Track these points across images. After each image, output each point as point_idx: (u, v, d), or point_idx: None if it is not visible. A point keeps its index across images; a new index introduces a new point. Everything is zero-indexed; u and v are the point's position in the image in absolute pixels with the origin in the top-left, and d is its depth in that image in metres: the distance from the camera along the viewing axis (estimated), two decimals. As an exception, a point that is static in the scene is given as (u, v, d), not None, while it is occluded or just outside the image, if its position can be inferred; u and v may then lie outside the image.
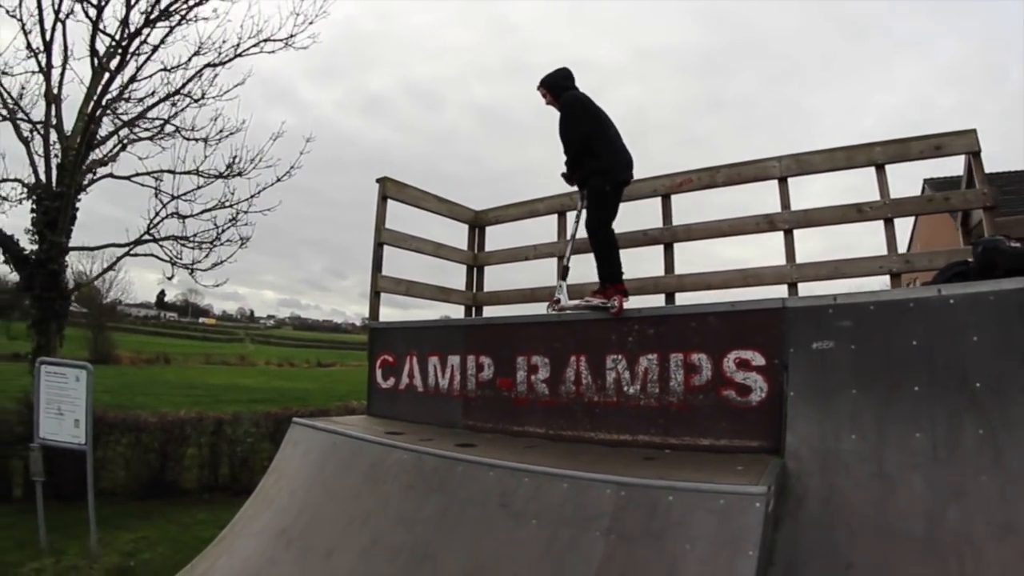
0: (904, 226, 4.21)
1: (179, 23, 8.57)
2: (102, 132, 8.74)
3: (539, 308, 4.77)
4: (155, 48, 8.60)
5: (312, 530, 3.70)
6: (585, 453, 3.51)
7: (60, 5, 8.21)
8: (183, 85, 8.92)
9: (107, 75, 8.48)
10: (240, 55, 9.02)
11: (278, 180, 9.28)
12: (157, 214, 8.84)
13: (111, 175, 8.96)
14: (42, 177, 8.33)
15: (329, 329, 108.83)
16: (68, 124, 8.55)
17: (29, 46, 8.35)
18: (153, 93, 8.87)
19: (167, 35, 8.61)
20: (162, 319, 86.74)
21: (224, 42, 8.95)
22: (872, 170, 4.40)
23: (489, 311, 6.45)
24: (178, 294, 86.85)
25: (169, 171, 8.98)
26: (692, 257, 5.73)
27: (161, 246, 8.93)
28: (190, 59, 8.85)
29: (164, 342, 50.26)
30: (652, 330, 3.66)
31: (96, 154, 8.70)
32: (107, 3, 8.17)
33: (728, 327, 3.39)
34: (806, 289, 4.48)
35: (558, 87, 4.29)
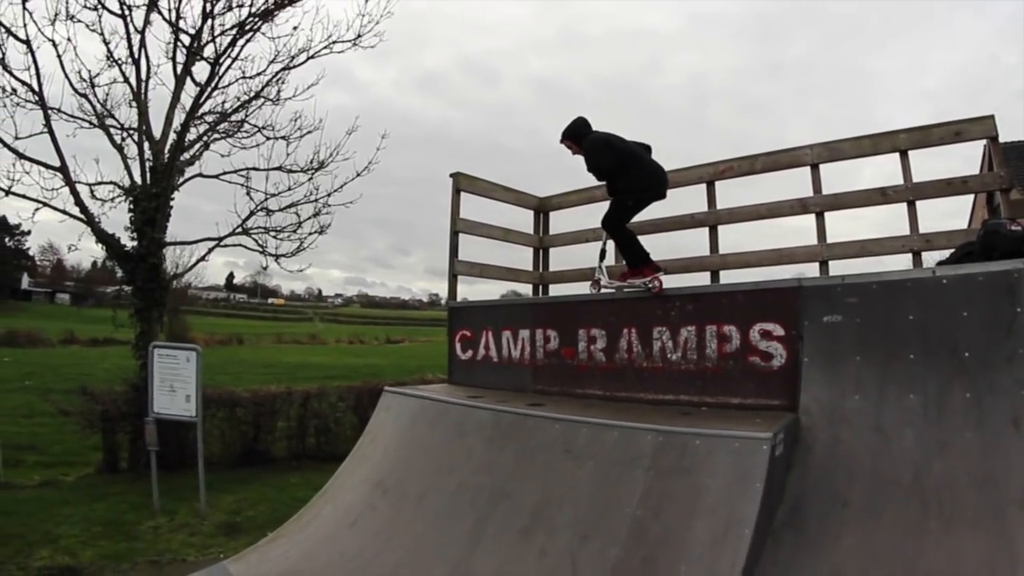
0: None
1: (254, 34, 9.21)
2: (189, 136, 9.33)
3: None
4: (234, 59, 9.29)
5: (405, 480, 4.20)
6: (634, 410, 4.05)
7: (144, 22, 8.82)
8: (262, 89, 9.51)
9: (197, 89, 9.14)
10: (312, 57, 9.55)
11: (357, 175, 9.82)
12: (252, 212, 9.55)
13: (200, 175, 9.57)
14: (137, 179, 8.95)
15: (397, 306, 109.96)
16: (155, 128, 9.15)
17: (110, 55, 8.86)
18: (237, 98, 9.50)
19: (247, 42, 9.27)
20: (232, 301, 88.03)
21: (298, 49, 9.49)
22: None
23: (554, 289, 6.93)
24: (246, 276, 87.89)
25: (254, 168, 9.59)
26: (740, 237, 6.12)
27: (251, 236, 9.62)
28: (267, 67, 9.43)
29: (235, 323, 51.29)
30: (691, 306, 4.22)
31: (183, 155, 9.29)
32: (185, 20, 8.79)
33: (754, 303, 3.92)
34: (836, 267, 4.84)
35: (579, 135, 4.69)
